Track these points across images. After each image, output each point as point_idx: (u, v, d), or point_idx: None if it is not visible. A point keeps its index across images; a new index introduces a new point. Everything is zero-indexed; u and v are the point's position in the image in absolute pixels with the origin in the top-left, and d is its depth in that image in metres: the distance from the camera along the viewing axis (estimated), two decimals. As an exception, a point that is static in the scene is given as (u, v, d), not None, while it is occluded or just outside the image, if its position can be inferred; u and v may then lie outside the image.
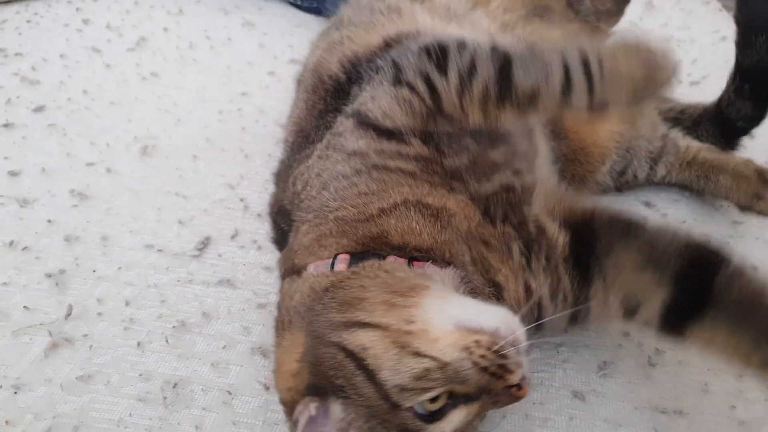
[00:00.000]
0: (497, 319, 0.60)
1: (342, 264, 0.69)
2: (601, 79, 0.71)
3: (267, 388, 0.78)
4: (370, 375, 0.57)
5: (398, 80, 0.77)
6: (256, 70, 1.54)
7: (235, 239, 1.02)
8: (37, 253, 0.99)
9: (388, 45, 0.91)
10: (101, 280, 0.94)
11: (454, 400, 0.58)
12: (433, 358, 0.57)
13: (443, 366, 0.56)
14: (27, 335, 0.85)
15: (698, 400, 0.76)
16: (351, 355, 0.58)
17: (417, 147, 0.76)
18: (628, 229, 0.74)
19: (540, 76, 0.71)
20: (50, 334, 0.85)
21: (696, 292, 0.69)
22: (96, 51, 1.59)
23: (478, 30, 1.00)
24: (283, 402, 0.64)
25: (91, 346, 0.84)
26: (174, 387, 0.78)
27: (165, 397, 0.77)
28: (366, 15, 1.05)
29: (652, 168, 1.09)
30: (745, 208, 1.05)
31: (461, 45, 0.75)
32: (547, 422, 0.74)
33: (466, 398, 0.58)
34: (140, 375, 0.80)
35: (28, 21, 1.72)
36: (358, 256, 0.69)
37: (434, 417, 0.57)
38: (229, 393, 0.78)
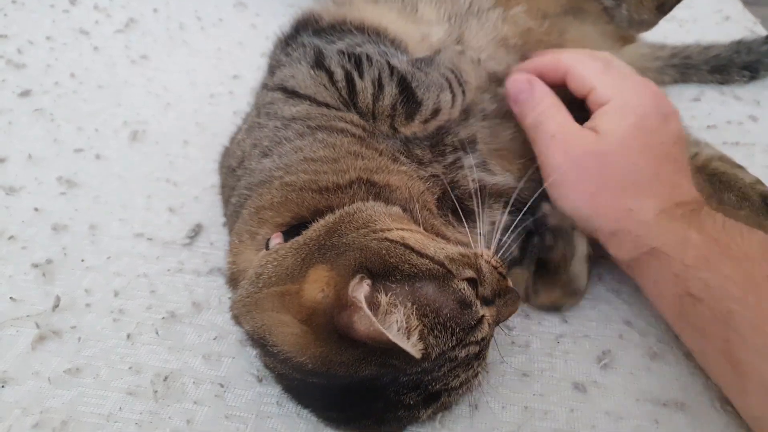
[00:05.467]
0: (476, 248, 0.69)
1: (276, 239, 0.68)
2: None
3: (260, 380, 0.76)
4: (420, 252, 0.60)
5: (319, 64, 0.78)
6: (247, 51, 1.50)
7: (227, 226, 0.99)
8: (24, 242, 0.96)
9: (333, 28, 0.89)
10: (89, 270, 0.91)
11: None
12: (466, 247, 0.66)
13: (473, 255, 0.64)
14: (13, 327, 0.82)
15: (700, 393, 0.74)
16: (395, 242, 0.60)
17: (356, 117, 0.77)
18: None
19: (436, 92, 0.77)
20: (37, 326, 0.83)
21: None
22: (83, 33, 1.55)
23: (486, 33, 0.95)
24: (313, 308, 0.58)
25: (79, 339, 0.81)
26: (165, 380, 0.76)
27: (156, 391, 0.75)
28: None
29: None
30: None
31: (368, 58, 0.78)
32: (548, 414, 0.72)
33: (487, 302, 0.63)
34: (130, 368, 0.78)
35: (14, 2, 1.67)
36: (290, 232, 0.68)
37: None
38: (221, 386, 0.76)
